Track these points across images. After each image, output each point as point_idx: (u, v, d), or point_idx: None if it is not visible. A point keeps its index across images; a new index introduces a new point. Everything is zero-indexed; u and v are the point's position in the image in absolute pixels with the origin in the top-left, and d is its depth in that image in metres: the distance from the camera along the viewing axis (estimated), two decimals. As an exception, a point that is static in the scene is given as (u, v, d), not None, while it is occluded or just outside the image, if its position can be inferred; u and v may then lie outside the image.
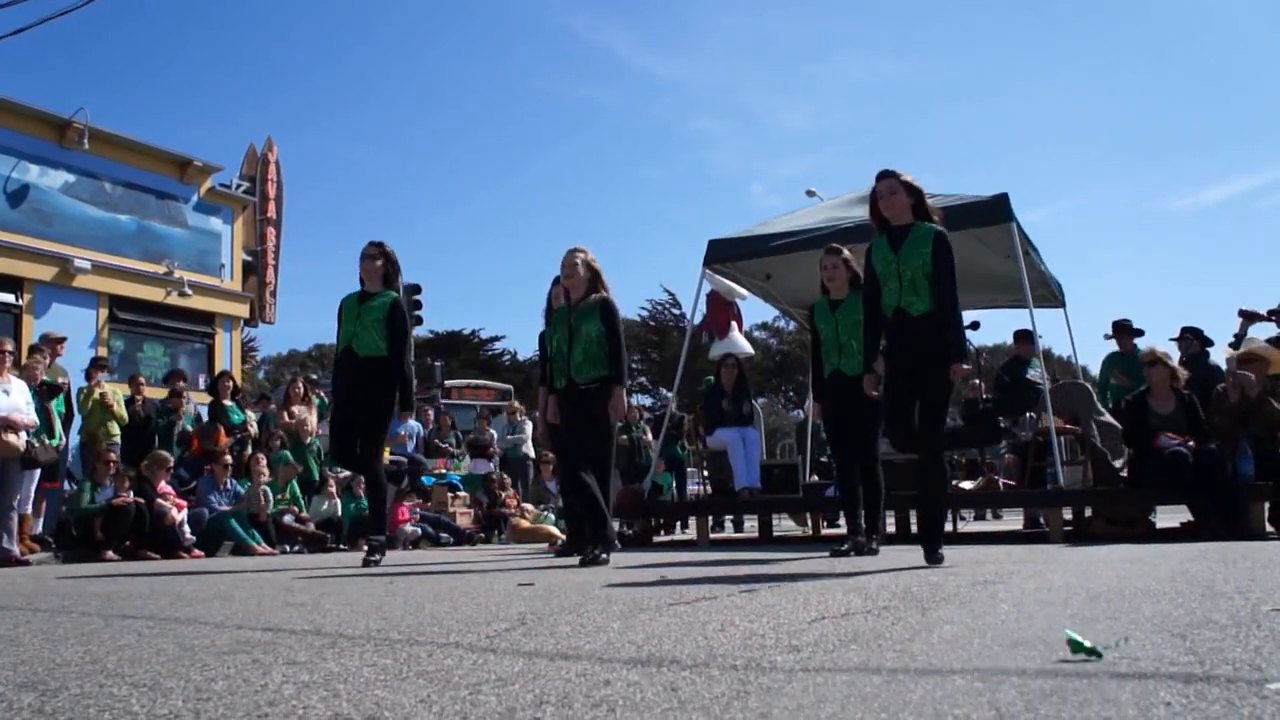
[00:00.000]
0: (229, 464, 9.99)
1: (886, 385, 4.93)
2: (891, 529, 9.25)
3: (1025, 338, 9.43)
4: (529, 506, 12.15)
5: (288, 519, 10.16)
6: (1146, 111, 75.71)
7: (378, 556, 6.05)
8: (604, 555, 5.55)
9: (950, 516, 9.70)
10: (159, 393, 11.68)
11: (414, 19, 77.94)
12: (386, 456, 12.53)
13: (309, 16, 75.89)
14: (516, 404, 15.73)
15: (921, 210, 4.89)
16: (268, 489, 9.98)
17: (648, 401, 37.63)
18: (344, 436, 6.11)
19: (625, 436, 13.26)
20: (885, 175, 4.94)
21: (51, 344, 9.99)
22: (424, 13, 78.22)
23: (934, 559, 4.68)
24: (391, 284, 6.18)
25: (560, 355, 5.87)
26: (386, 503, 6.26)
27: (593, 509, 5.66)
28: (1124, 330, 9.62)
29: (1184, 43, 73.08)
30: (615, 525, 7.97)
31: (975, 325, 8.60)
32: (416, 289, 19.31)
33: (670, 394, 12.67)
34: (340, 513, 10.71)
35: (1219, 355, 8.78)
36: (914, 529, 9.60)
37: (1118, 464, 7.76)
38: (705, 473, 10.51)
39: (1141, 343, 9.27)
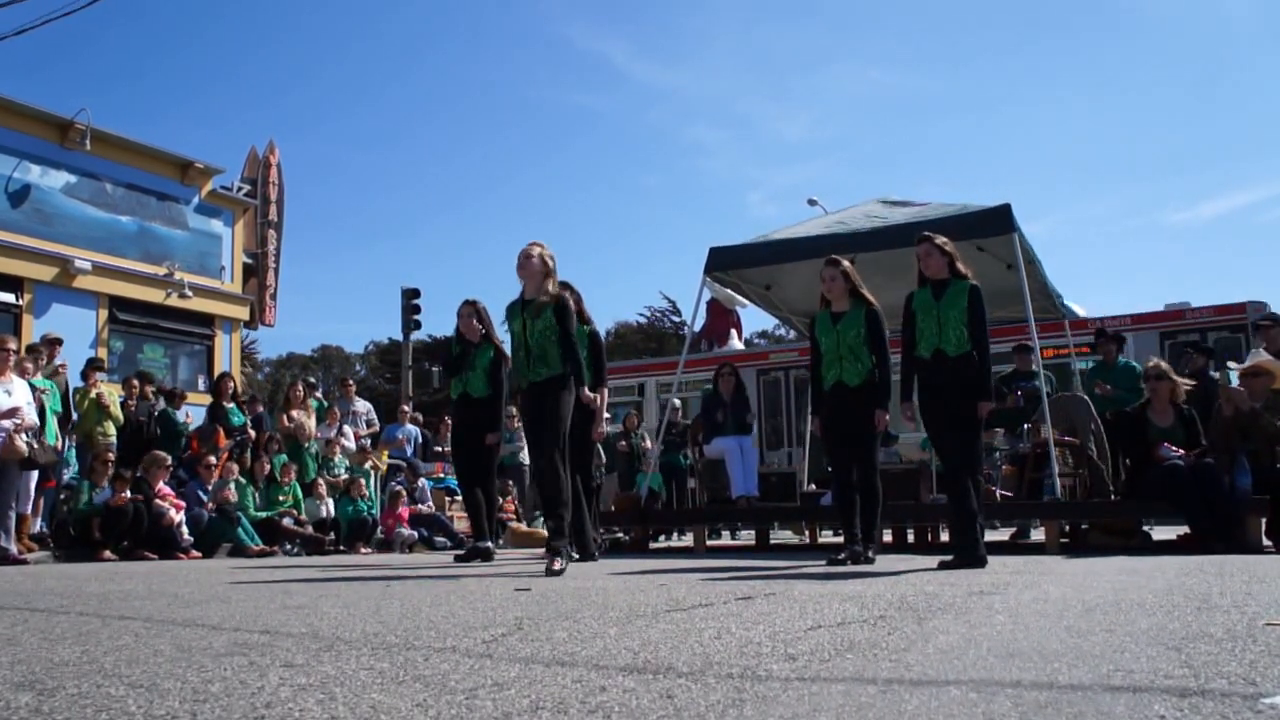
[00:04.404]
0: (211, 464, 9.94)
1: (926, 417, 5.59)
2: (888, 539, 9.26)
3: (1025, 351, 9.40)
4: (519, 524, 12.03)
5: (286, 521, 10.15)
6: (1146, 124, 75.87)
7: (478, 559, 6.84)
8: (560, 564, 5.27)
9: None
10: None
11: (414, 26, 78.29)
12: (385, 459, 12.57)
13: (311, 21, 76.17)
14: (513, 410, 15.71)
15: (955, 268, 5.57)
16: (238, 483, 9.95)
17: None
18: (461, 457, 7.34)
19: (624, 443, 13.26)
20: (923, 239, 5.68)
21: (49, 345, 9.99)
22: (424, 19, 78.57)
23: (969, 564, 5.19)
24: (487, 334, 7.25)
25: (518, 355, 5.84)
26: (494, 516, 7.46)
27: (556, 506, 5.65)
28: (1109, 339, 9.47)
29: (1184, 56, 73.25)
30: (600, 532, 7.99)
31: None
32: (415, 294, 19.37)
33: (674, 400, 12.64)
34: (335, 514, 10.70)
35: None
36: (911, 538, 9.63)
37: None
38: (697, 480, 10.51)
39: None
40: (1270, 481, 6.79)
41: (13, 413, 7.82)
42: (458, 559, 7.06)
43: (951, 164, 75.60)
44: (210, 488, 9.72)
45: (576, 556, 6.33)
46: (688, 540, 10.94)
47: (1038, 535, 9.36)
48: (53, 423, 8.94)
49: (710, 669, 1.98)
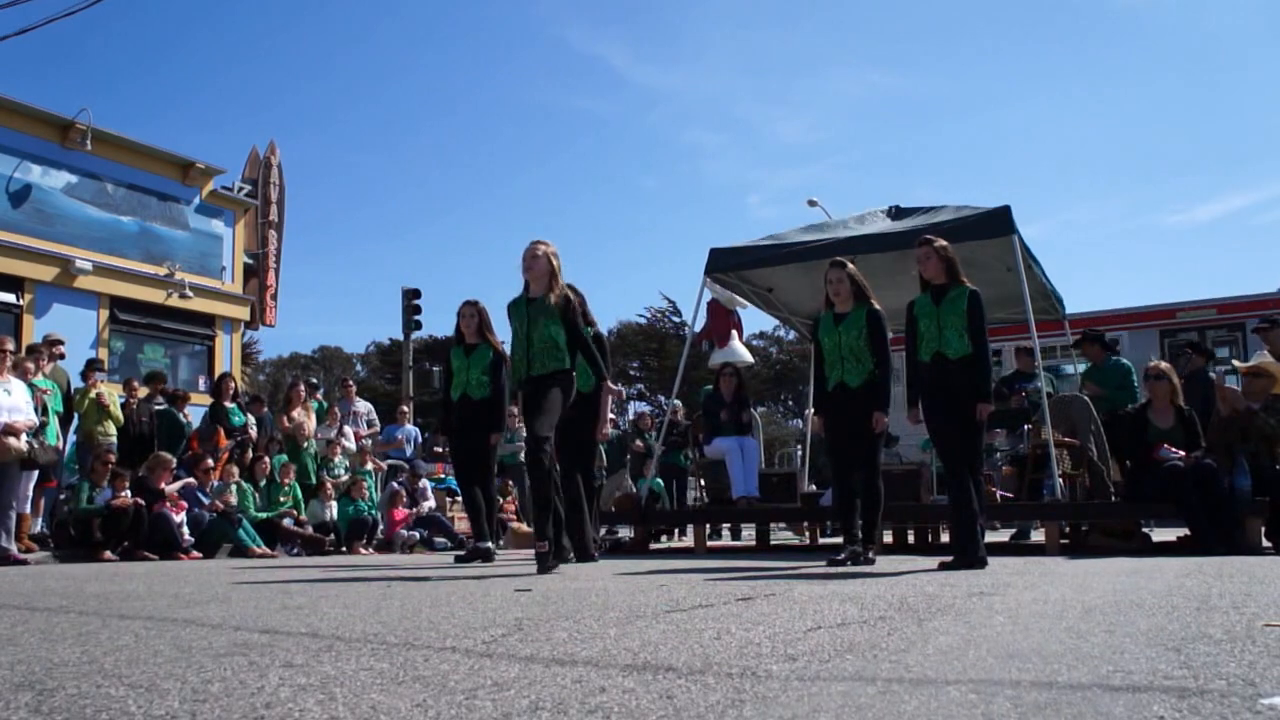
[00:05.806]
0: (210, 467, 9.92)
1: (927, 419, 5.66)
2: (888, 539, 9.26)
3: (1026, 352, 9.38)
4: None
5: (286, 522, 10.14)
6: (1144, 128, 75.82)
7: (478, 559, 6.84)
8: (554, 561, 5.50)
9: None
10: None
11: (414, 26, 78.36)
12: (385, 461, 12.57)
13: (311, 21, 76.22)
14: (514, 409, 15.70)
15: (954, 272, 5.62)
16: (238, 486, 9.95)
17: (645, 408, 37.68)
18: (461, 459, 7.33)
19: (639, 442, 13.26)
20: (923, 242, 5.73)
21: (49, 345, 9.98)
22: (424, 20, 78.60)
23: (970, 564, 5.24)
24: (486, 335, 7.24)
25: (519, 351, 5.87)
26: (494, 516, 7.42)
27: (567, 506, 5.69)
28: (1093, 340, 9.43)
29: (1181, 61, 73.26)
30: (599, 532, 8.00)
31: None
32: (415, 294, 19.37)
33: (675, 400, 12.65)
34: (335, 515, 10.69)
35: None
36: (911, 539, 9.63)
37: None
38: (702, 481, 10.49)
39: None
40: (1270, 483, 6.79)
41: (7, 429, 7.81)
42: (458, 559, 7.06)
43: (950, 166, 75.68)
44: (209, 489, 9.72)
45: (571, 553, 6.34)
46: (688, 541, 10.93)
47: (1038, 536, 9.36)
48: (53, 422, 8.95)
49: (710, 669, 1.98)
